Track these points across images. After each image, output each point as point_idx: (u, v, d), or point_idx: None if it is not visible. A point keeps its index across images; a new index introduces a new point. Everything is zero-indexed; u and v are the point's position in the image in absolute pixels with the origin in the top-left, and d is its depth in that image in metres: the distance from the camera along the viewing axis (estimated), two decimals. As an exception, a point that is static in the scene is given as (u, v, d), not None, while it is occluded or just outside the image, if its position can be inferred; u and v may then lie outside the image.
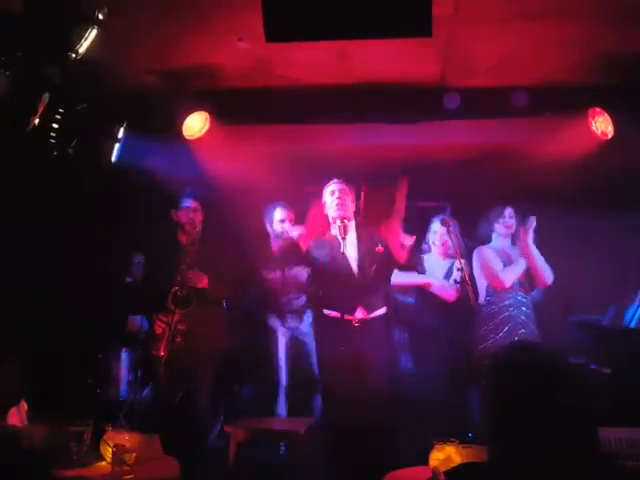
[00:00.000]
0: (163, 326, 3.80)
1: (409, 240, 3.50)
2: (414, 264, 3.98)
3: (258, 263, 4.49)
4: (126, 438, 2.70)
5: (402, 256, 3.57)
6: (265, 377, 4.40)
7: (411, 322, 4.32)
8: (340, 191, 3.68)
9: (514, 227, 4.05)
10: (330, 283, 3.61)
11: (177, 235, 4.02)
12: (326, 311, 3.62)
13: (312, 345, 4.31)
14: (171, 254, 3.92)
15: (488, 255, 4.02)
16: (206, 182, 4.46)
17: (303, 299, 4.40)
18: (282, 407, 4.29)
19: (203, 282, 3.84)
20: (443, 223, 4.05)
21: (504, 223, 4.04)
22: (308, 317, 4.40)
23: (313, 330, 4.31)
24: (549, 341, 3.81)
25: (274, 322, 4.42)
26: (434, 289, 4.12)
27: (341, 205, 3.64)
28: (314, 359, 4.27)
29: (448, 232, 3.96)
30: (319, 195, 3.84)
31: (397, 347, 4.17)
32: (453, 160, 4.68)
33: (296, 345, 4.40)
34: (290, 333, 4.39)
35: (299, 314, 4.40)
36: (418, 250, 4.34)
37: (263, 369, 4.42)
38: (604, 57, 3.87)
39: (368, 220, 3.46)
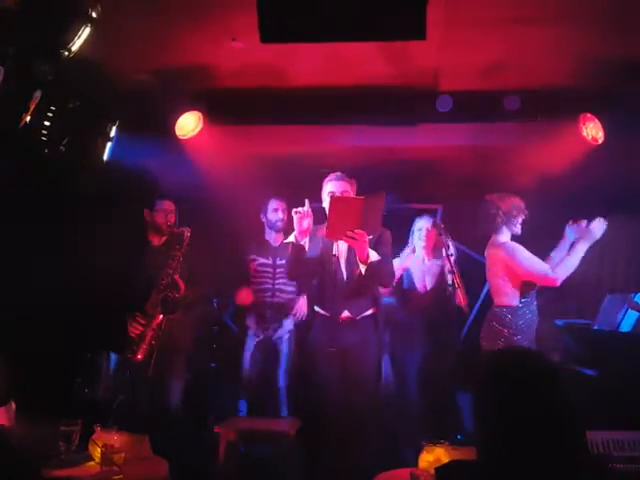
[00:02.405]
0: (141, 329, 3.75)
1: (374, 257, 3.44)
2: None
3: (246, 260, 4.52)
4: (115, 438, 2.68)
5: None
6: (231, 378, 4.44)
7: (398, 323, 4.34)
8: (342, 194, 3.57)
9: None
10: (320, 282, 3.61)
11: (148, 236, 4.02)
12: (317, 308, 3.64)
13: (285, 351, 4.38)
14: (142, 256, 3.92)
15: (525, 251, 3.67)
16: (197, 182, 4.46)
17: (288, 300, 4.44)
18: (243, 409, 4.33)
19: (181, 285, 3.82)
20: (434, 225, 4.06)
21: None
22: (289, 323, 4.42)
23: (292, 335, 4.42)
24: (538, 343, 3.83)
25: (251, 323, 4.45)
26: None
27: None
28: (282, 368, 4.35)
29: (439, 234, 3.96)
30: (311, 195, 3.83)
31: (385, 348, 4.18)
32: (444, 163, 4.70)
33: (268, 349, 4.43)
34: (264, 336, 4.42)
35: (280, 316, 4.43)
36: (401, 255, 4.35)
37: (229, 370, 4.45)
38: (595, 63, 3.90)
39: (332, 230, 3.30)
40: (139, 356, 3.66)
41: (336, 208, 3.26)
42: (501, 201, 3.72)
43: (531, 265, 3.61)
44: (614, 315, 3.85)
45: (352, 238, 3.28)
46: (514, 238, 3.75)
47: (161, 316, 3.73)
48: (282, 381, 4.34)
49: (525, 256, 3.63)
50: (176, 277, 3.78)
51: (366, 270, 3.41)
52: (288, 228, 4.31)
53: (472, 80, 4.23)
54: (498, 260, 3.70)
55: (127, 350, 3.77)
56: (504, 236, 3.73)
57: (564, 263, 3.60)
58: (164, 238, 3.98)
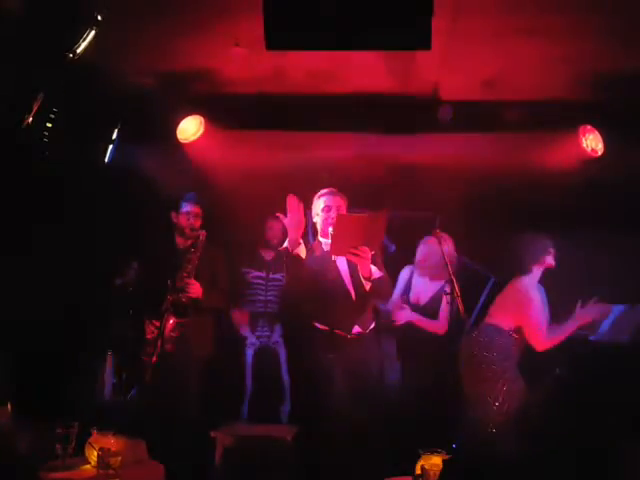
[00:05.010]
0: (155, 332, 3.72)
1: (377, 274, 3.46)
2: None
3: (246, 267, 4.58)
4: (111, 441, 2.68)
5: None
6: (232, 383, 4.45)
7: (399, 333, 4.33)
8: (337, 209, 3.58)
9: None
10: (321, 298, 3.58)
11: (174, 238, 3.99)
12: (317, 324, 3.61)
13: (283, 354, 4.54)
14: (167, 259, 3.89)
15: (540, 301, 3.57)
16: (198, 186, 4.46)
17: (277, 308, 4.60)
18: (245, 414, 4.35)
19: (198, 290, 3.79)
20: (434, 234, 3.99)
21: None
22: (279, 328, 4.59)
23: (283, 340, 4.56)
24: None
25: (245, 330, 4.51)
26: (422, 324, 4.14)
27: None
28: (284, 368, 4.50)
29: (438, 243, 3.88)
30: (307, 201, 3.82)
31: (385, 358, 4.18)
32: (443, 172, 4.70)
33: (266, 354, 4.55)
34: (260, 342, 4.55)
35: (271, 324, 4.56)
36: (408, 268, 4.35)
37: (231, 375, 4.46)
38: (596, 75, 3.93)
39: (337, 246, 3.33)
40: (153, 358, 3.63)
41: (341, 225, 3.29)
42: (529, 244, 3.74)
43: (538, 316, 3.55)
44: (629, 326, 3.85)
45: (356, 255, 3.31)
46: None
47: (172, 320, 3.72)
48: (286, 381, 4.50)
49: (539, 306, 3.57)
50: (189, 280, 3.76)
51: (370, 286, 3.44)
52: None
53: (472, 91, 4.26)
54: (512, 295, 3.69)
55: (141, 351, 3.78)
56: (532, 277, 3.69)
57: (561, 330, 3.57)
58: (189, 241, 3.93)
